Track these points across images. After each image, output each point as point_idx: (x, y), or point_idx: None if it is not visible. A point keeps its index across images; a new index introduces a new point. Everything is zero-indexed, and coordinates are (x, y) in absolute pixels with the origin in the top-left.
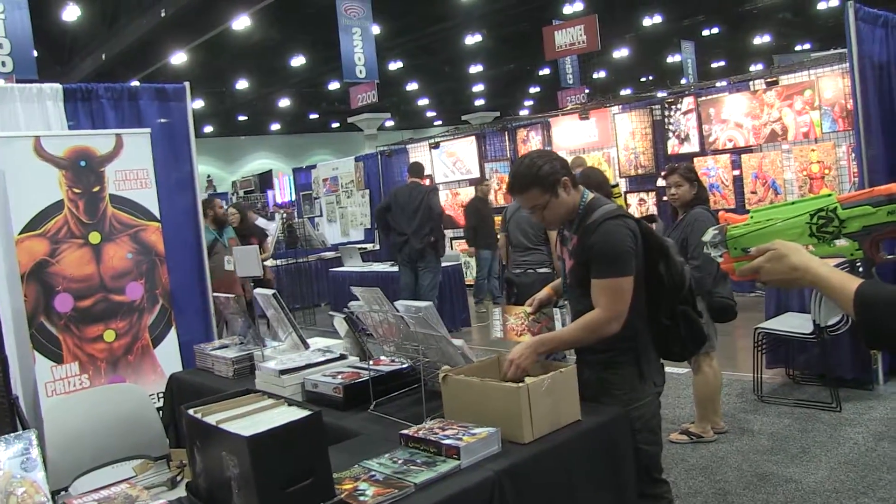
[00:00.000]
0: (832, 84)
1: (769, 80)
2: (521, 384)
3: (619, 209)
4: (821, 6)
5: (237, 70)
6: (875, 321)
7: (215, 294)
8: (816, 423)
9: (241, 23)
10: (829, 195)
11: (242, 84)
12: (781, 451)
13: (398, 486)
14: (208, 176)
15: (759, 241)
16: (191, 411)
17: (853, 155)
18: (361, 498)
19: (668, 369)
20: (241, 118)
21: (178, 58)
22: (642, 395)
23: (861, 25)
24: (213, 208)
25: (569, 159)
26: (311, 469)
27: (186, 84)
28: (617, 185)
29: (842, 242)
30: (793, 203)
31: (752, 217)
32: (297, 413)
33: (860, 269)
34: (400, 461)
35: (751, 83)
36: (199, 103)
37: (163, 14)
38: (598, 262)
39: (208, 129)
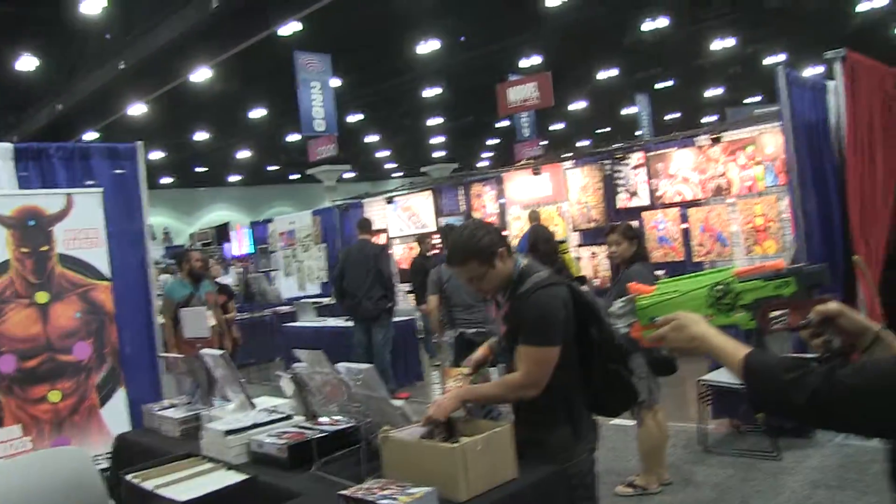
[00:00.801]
0: (773, 140)
1: (713, 136)
2: (456, 444)
3: (551, 277)
4: (767, 61)
5: (196, 121)
6: (756, 387)
7: (163, 354)
8: (757, 472)
9: (201, 75)
10: (728, 269)
11: (201, 135)
12: (723, 502)
13: None
14: (165, 228)
15: (665, 310)
16: (129, 476)
17: None
18: None
19: (616, 422)
20: (200, 169)
21: (137, 109)
22: (577, 454)
23: (793, 88)
24: (188, 261)
25: (524, 213)
26: None
27: (139, 143)
28: (565, 242)
29: (738, 313)
30: (695, 276)
31: (658, 288)
32: (234, 477)
33: (755, 338)
34: None
35: (696, 139)
36: (156, 154)
37: (122, 66)
38: (525, 331)
39: (166, 180)
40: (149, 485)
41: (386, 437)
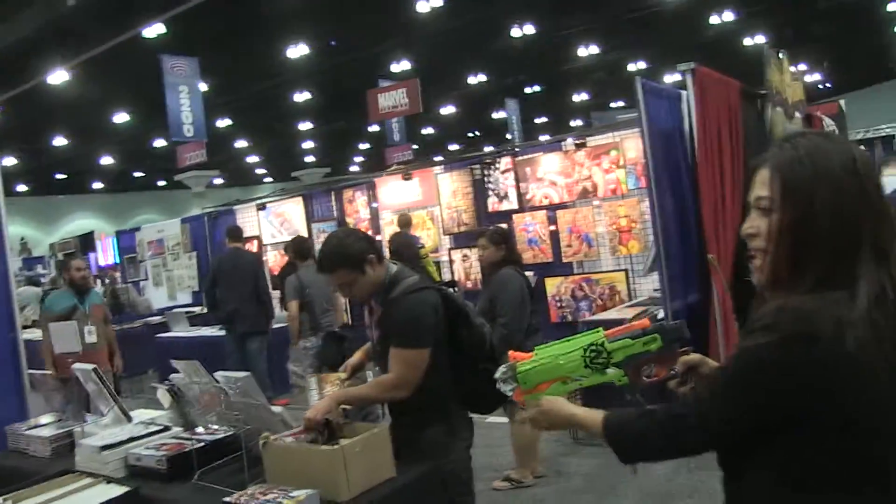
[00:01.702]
0: (634, 145)
1: (577, 142)
2: (336, 446)
3: (421, 282)
4: (630, 67)
5: (54, 126)
6: (620, 445)
7: (30, 371)
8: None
9: (58, 77)
10: (598, 331)
11: (60, 140)
12: (593, 490)
13: None
14: (22, 238)
15: (545, 375)
16: (1, 499)
17: None
18: None
19: (491, 419)
20: (59, 176)
21: None
22: (453, 450)
23: (648, 98)
24: (68, 271)
25: (394, 217)
26: None
27: None
28: (423, 247)
29: (612, 371)
30: (568, 340)
31: (536, 354)
32: (115, 490)
33: (629, 393)
34: None
35: (562, 144)
36: (10, 160)
37: None
38: (396, 334)
39: (21, 187)
40: None
41: (266, 443)
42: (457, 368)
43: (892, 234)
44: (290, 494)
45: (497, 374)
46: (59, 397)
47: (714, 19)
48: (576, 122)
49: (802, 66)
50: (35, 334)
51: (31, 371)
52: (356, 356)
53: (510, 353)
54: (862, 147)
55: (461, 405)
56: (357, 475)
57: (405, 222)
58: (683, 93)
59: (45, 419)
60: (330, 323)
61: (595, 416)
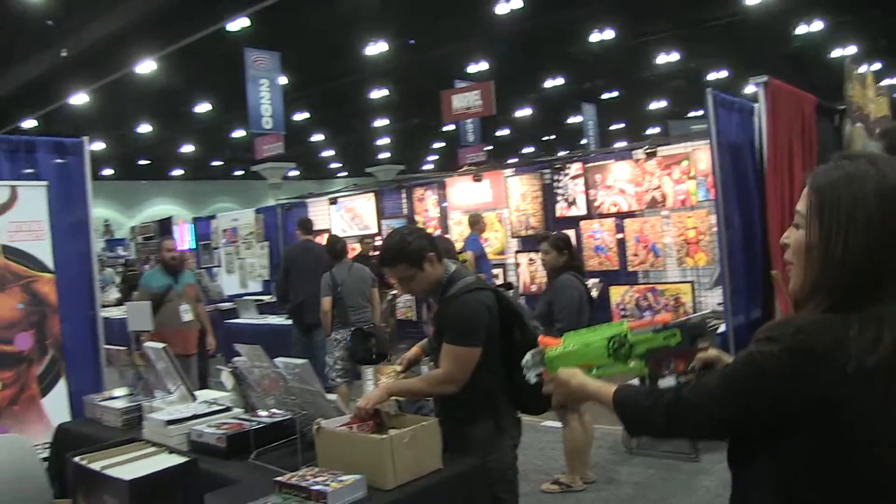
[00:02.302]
0: (705, 156)
1: (648, 150)
2: (384, 436)
3: (478, 283)
4: (710, 77)
5: (140, 113)
6: (626, 416)
7: (107, 346)
8: (677, 472)
9: (146, 67)
10: (622, 324)
11: (145, 128)
12: (642, 499)
13: None
14: (106, 220)
15: (570, 360)
16: (76, 458)
17: None
18: None
19: (545, 423)
20: (143, 162)
21: (79, 98)
22: (499, 448)
23: (719, 111)
24: (160, 251)
25: (464, 218)
26: None
27: (85, 139)
28: (462, 252)
29: (633, 361)
30: (594, 329)
31: (564, 341)
32: (176, 459)
33: (648, 383)
34: None
35: (633, 152)
36: (98, 145)
37: (63, 54)
38: (449, 330)
39: (108, 171)
40: (95, 466)
41: (319, 429)
42: (508, 369)
43: None
44: (339, 478)
45: (525, 358)
46: (132, 374)
47: (801, 29)
48: (652, 130)
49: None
50: (112, 313)
51: (107, 346)
52: (412, 351)
53: (540, 338)
54: None
55: (511, 405)
56: (403, 465)
57: (476, 221)
58: (756, 105)
59: (118, 392)
60: (364, 320)
61: (607, 388)
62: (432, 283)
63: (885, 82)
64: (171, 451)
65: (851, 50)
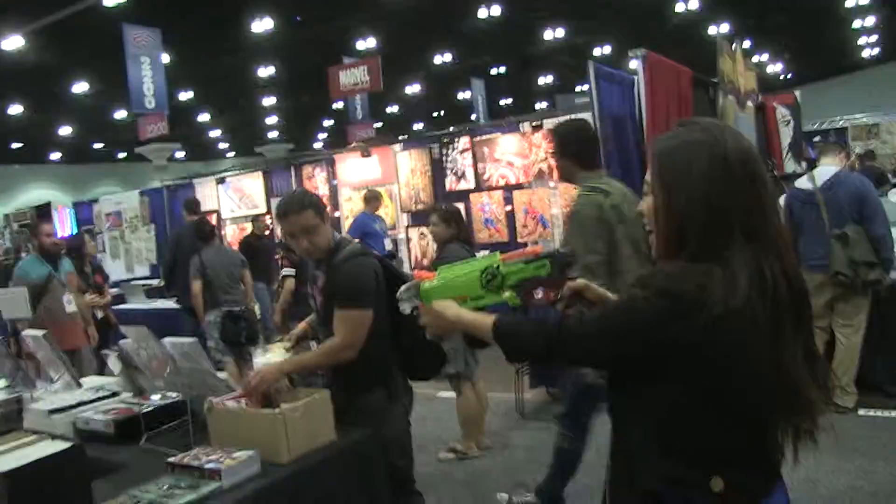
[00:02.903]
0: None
1: (534, 124)
2: (277, 411)
3: (363, 249)
4: (595, 52)
5: (10, 92)
6: (508, 343)
7: None
8: None
9: (13, 42)
10: (494, 255)
11: (16, 108)
12: (536, 462)
13: None
14: None
15: (445, 293)
16: None
17: None
18: None
19: (440, 394)
20: (15, 145)
21: None
22: (392, 415)
23: (601, 83)
24: (38, 236)
25: (355, 195)
26: (71, 498)
27: None
28: None
29: (506, 292)
30: (468, 262)
31: (439, 274)
32: (59, 446)
33: (521, 313)
34: (165, 486)
35: (520, 125)
36: None
37: None
38: (340, 296)
39: None
40: None
41: (211, 407)
42: (396, 336)
43: (764, 216)
44: (232, 455)
45: (400, 290)
46: (10, 364)
47: (680, 7)
48: (541, 105)
49: (765, 56)
50: None
51: None
52: (300, 327)
53: (415, 272)
54: (747, 138)
55: (401, 372)
56: (297, 438)
57: (369, 198)
58: (636, 78)
59: None
60: (235, 301)
61: (484, 317)
62: (328, 240)
63: (754, 59)
64: (54, 437)
65: (725, 28)
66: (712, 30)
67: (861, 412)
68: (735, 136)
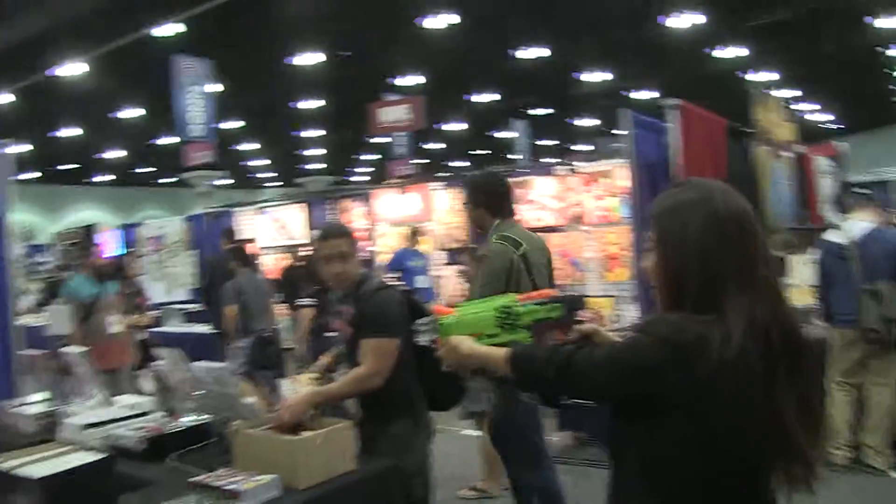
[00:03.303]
0: (625, 174)
1: (570, 168)
2: (297, 437)
3: (387, 283)
4: (636, 96)
5: (64, 116)
6: (519, 370)
7: (24, 352)
8: (591, 479)
9: (72, 69)
10: (511, 295)
11: (70, 131)
12: None
13: None
14: (26, 226)
15: (462, 329)
16: None
17: None
18: None
19: (464, 432)
20: (66, 166)
21: (2, 98)
22: (417, 444)
23: (637, 130)
24: (89, 256)
25: (391, 230)
26: None
27: (7, 142)
28: None
29: (520, 332)
30: (486, 300)
31: (457, 310)
32: (91, 457)
33: None
34: None
35: (555, 169)
36: (21, 147)
37: None
38: (367, 325)
39: (28, 175)
40: (5, 466)
41: (236, 431)
42: (419, 367)
43: (754, 269)
44: (253, 478)
45: (418, 323)
46: (51, 378)
47: (724, 53)
48: (582, 147)
49: (814, 106)
50: (28, 320)
51: (23, 352)
52: (325, 358)
53: (435, 307)
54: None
55: (424, 403)
56: (316, 465)
57: (410, 234)
58: (669, 127)
59: (34, 399)
60: (262, 328)
61: (498, 351)
62: (355, 273)
63: (802, 107)
64: (86, 449)
65: (772, 76)
66: (759, 77)
67: (895, 475)
68: (726, 195)
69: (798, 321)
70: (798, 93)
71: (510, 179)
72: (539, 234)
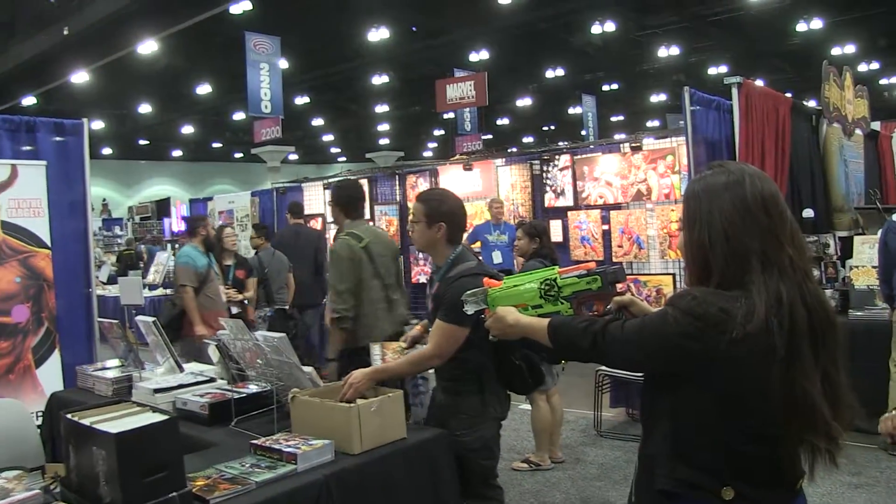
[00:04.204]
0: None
1: (634, 145)
2: (352, 404)
3: (478, 268)
4: (711, 71)
5: (140, 93)
6: (557, 340)
7: (100, 320)
8: None
9: (148, 47)
10: (553, 268)
11: (145, 108)
12: (606, 478)
13: (242, 483)
14: (104, 199)
15: (508, 300)
16: (68, 415)
17: None
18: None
19: (521, 406)
20: (142, 142)
21: (80, 77)
22: (483, 420)
23: (696, 108)
24: (205, 228)
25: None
26: (166, 463)
27: (84, 120)
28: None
29: (561, 303)
30: (530, 273)
31: (504, 283)
32: (158, 417)
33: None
34: (247, 465)
35: (620, 146)
36: (98, 124)
37: (66, 32)
38: (444, 308)
39: (107, 150)
40: (85, 421)
41: (294, 398)
42: (500, 349)
43: (781, 250)
44: (309, 442)
45: (467, 293)
46: (124, 346)
47: (801, 26)
48: (652, 123)
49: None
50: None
51: (100, 320)
52: (416, 329)
53: (484, 279)
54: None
55: (498, 382)
56: (369, 432)
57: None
58: (731, 104)
59: (110, 364)
60: (283, 300)
61: (540, 322)
62: (422, 243)
63: (884, 81)
64: (155, 409)
65: (850, 49)
66: (836, 51)
67: None
68: (756, 179)
69: (825, 301)
70: (877, 65)
71: (578, 156)
72: (388, 231)
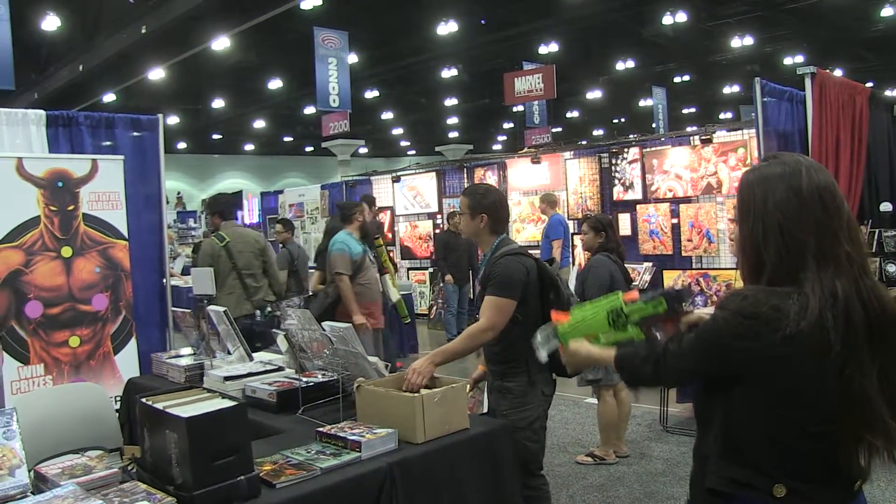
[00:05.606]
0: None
1: (704, 137)
2: (416, 394)
3: (521, 249)
4: (786, 61)
5: (214, 89)
6: (624, 370)
7: (174, 309)
8: None
9: (221, 43)
10: (617, 296)
11: (218, 103)
12: (671, 474)
13: (307, 469)
14: (178, 193)
15: (579, 333)
16: (143, 399)
17: None
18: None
19: (587, 400)
20: (216, 137)
21: (156, 73)
22: (531, 400)
23: (767, 100)
24: (361, 214)
25: (524, 199)
26: (235, 447)
27: (160, 116)
28: (379, 237)
29: (631, 329)
30: (595, 303)
31: (572, 315)
32: (228, 403)
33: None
34: (313, 451)
35: (690, 138)
36: (173, 119)
37: (143, 30)
38: (492, 285)
39: (181, 145)
40: (159, 405)
41: (360, 387)
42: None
43: (837, 244)
44: (373, 430)
45: (537, 337)
46: (196, 335)
47: (887, 11)
48: (725, 115)
49: None
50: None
51: (173, 309)
52: (480, 370)
53: (552, 313)
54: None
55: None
56: (433, 422)
57: (551, 202)
58: (804, 95)
59: (183, 351)
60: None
61: (609, 351)
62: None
63: None
64: (224, 396)
65: None
66: None
67: None
68: (813, 171)
69: (884, 297)
70: None
71: (647, 149)
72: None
